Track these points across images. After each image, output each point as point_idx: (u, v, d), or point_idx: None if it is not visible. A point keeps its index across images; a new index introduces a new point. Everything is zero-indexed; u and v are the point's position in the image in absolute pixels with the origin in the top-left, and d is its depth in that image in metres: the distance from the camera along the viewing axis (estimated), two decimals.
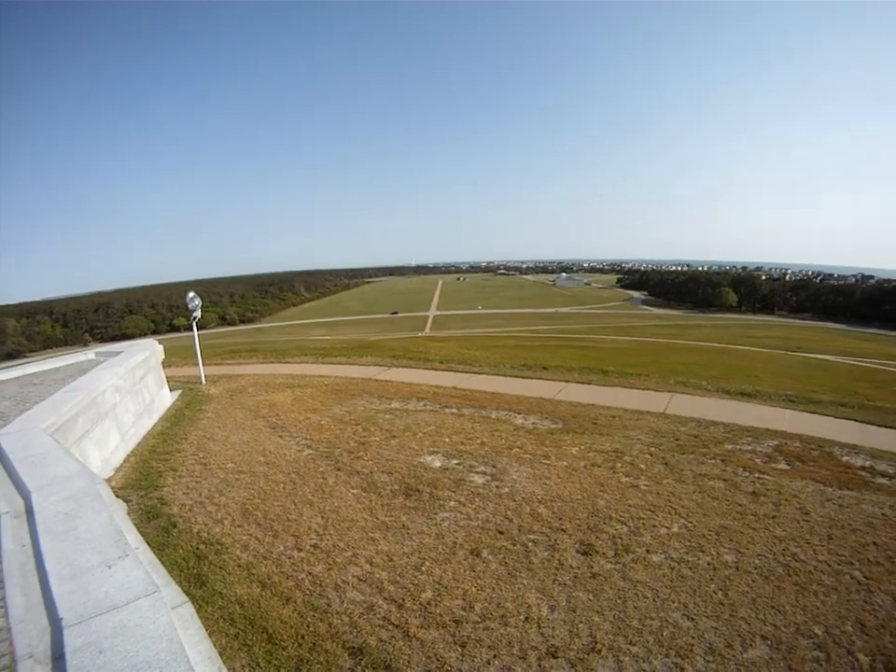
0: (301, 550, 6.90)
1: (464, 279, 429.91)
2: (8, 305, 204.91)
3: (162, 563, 4.49)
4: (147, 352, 14.18)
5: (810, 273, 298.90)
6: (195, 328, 18.60)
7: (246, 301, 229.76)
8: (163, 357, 15.68)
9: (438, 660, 4.89)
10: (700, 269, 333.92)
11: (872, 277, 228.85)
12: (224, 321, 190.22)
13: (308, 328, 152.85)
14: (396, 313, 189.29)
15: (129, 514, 6.96)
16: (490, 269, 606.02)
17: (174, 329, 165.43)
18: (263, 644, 5.03)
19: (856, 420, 12.06)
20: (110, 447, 10.07)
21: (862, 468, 9.31)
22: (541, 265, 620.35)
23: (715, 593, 5.85)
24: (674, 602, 5.70)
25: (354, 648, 5.02)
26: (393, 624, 5.38)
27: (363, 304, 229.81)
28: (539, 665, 4.81)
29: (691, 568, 6.31)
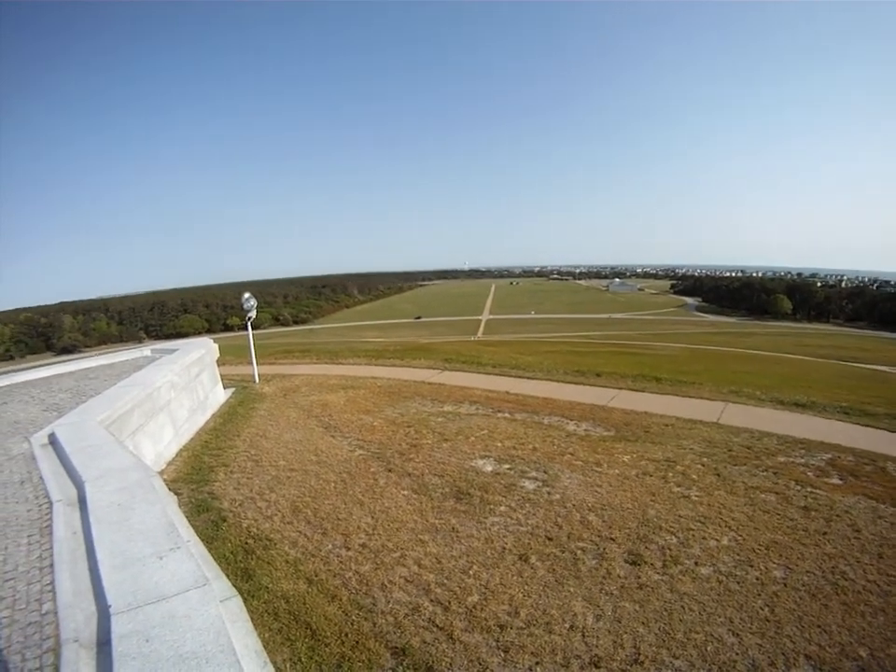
0: (349, 549, 6.93)
1: (517, 283, 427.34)
2: (65, 302, 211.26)
3: (211, 556, 4.53)
4: (202, 350, 14.44)
5: (866, 279, 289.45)
6: (250, 327, 18.87)
7: (300, 302, 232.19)
8: (218, 355, 15.94)
9: (480, 664, 4.84)
10: (754, 275, 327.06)
11: None
12: (277, 322, 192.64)
13: (361, 329, 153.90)
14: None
15: (179, 507, 7.08)
16: (543, 273, 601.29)
17: (227, 328, 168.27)
18: (306, 640, 5.06)
19: None
20: (164, 441, 10.28)
21: None
22: (594, 270, 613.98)
23: (762, 609, 5.69)
24: (720, 616, 5.56)
25: (397, 648, 5.01)
26: (437, 626, 5.36)
27: (416, 307, 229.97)
28: None
29: (739, 583, 6.16)
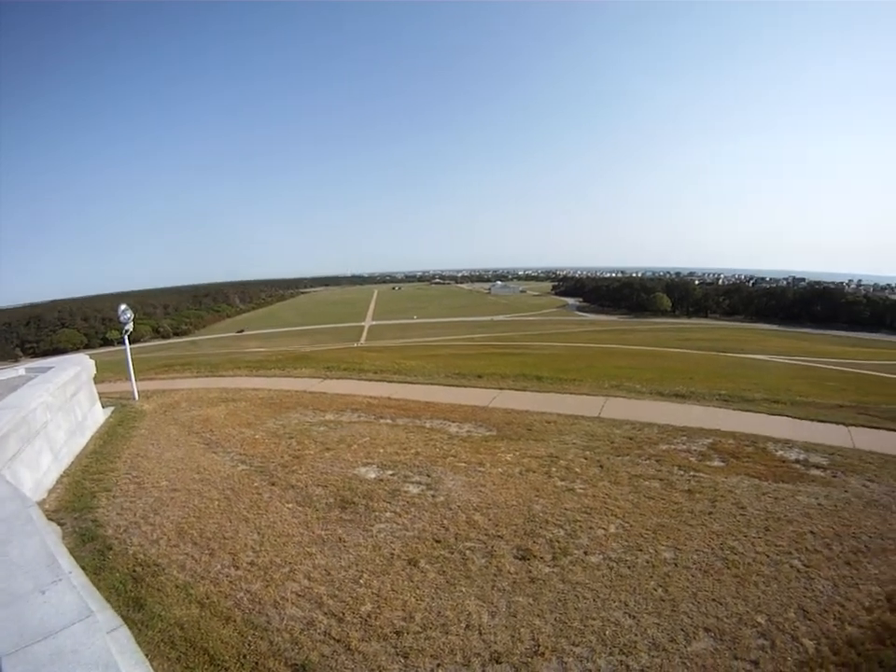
0: (238, 568, 6.85)
1: (399, 289, 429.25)
2: None
3: (99, 587, 4.48)
4: (78, 367, 13.83)
5: (742, 277, 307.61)
6: (127, 341, 18.21)
7: (181, 312, 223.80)
8: (95, 372, 15.32)
9: None
10: (634, 275, 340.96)
11: (803, 280, 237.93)
12: (158, 334, 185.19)
13: (243, 339, 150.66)
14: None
15: (64, 537, 6.86)
16: (425, 278, 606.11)
17: (107, 342, 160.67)
18: (205, 666, 4.99)
19: (789, 416, 12.50)
20: (42, 468, 9.80)
21: (797, 461, 9.68)
22: (477, 274, 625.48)
23: (655, 590, 6.01)
24: (615, 601, 5.83)
25: (296, 664, 5.02)
26: (334, 639, 5.40)
27: (299, 315, 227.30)
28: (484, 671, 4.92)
29: (629, 567, 6.47)
